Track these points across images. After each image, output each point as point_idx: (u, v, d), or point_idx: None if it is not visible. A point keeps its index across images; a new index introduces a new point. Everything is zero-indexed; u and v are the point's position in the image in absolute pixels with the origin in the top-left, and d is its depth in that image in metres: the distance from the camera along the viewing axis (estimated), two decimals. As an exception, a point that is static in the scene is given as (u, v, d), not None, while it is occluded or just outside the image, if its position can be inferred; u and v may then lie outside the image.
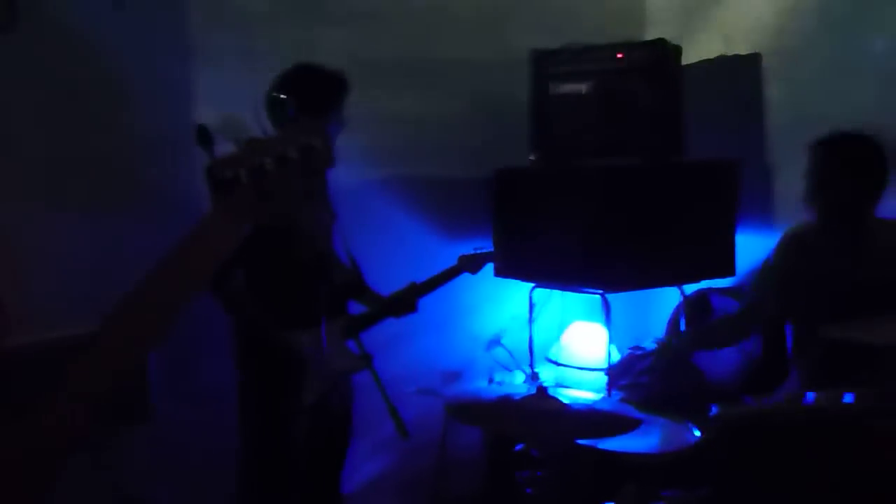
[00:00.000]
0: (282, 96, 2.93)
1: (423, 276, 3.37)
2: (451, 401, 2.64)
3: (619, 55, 3.40)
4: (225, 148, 1.34)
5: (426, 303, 3.49)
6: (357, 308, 3.31)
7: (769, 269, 3.24)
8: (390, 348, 3.49)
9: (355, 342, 3.13)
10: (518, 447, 2.94)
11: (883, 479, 1.34)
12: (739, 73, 3.87)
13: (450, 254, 3.52)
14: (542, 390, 2.50)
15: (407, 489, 3.84)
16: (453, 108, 3.76)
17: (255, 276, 3.01)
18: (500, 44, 3.83)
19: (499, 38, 3.85)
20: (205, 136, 1.73)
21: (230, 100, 3.09)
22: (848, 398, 1.19)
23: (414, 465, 3.78)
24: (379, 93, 3.54)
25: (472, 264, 3.41)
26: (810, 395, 1.20)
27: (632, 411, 2.59)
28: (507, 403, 2.55)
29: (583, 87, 3.46)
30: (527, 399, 2.49)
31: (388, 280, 3.35)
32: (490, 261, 3.45)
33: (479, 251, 3.42)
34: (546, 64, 3.55)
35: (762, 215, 3.75)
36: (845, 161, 2.95)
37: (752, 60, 3.82)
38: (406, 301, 3.27)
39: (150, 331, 1.16)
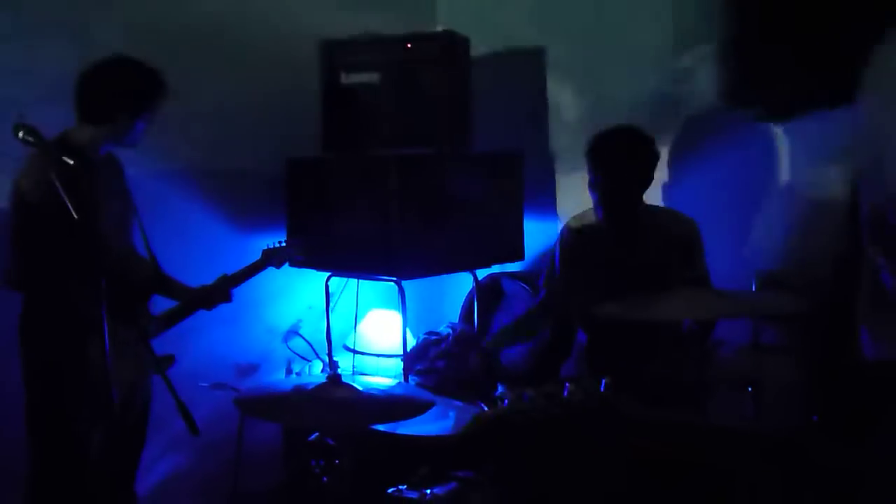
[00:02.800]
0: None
1: (219, 268, 3.30)
2: (241, 394, 2.60)
3: (408, 46, 3.45)
4: None
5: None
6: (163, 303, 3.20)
7: (557, 258, 3.40)
8: (182, 343, 3.38)
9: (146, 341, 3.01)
10: (312, 436, 2.93)
11: (634, 464, 1.43)
12: (525, 65, 4.02)
13: (246, 245, 3.47)
14: (335, 378, 2.51)
15: (204, 486, 3.75)
16: (248, 97, 3.68)
17: (50, 276, 2.83)
18: (293, 32, 3.78)
19: (290, 26, 3.80)
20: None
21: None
22: (601, 387, 1.26)
23: (211, 461, 3.70)
24: (174, 82, 3.42)
25: (275, 258, 3.35)
26: (566, 386, 1.27)
27: (425, 395, 2.64)
28: (299, 393, 2.54)
29: (373, 78, 3.49)
30: (319, 388, 2.49)
31: (186, 274, 3.25)
32: (295, 254, 3.40)
33: (282, 244, 3.37)
34: (336, 54, 3.55)
35: (547, 202, 3.92)
36: (616, 155, 3.12)
37: (537, 53, 3.97)
38: (220, 291, 3.20)
39: None
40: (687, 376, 2.60)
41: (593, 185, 3.12)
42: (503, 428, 1.25)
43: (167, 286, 3.18)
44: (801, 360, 1.38)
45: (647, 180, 3.16)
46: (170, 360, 3.01)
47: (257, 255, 3.35)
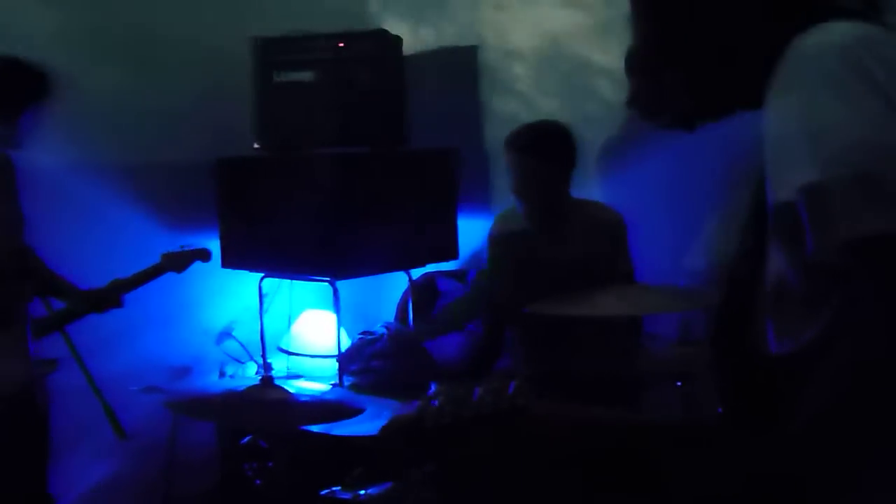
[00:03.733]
0: None
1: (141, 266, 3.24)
2: (172, 397, 2.56)
3: (341, 44, 3.43)
4: None
5: (150, 298, 3.36)
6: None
7: (487, 254, 3.41)
8: (111, 346, 3.33)
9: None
10: (245, 439, 2.90)
11: (552, 463, 1.44)
12: (458, 64, 4.03)
13: (176, 245, 3.42)
14: (267, 380, 2.49)
15: (137, 491, 3.68)
16: (178, 92, 3.62)
17: None
18: (224, 29, 3.73)
19: (221, 23, 3.75)
20: None
21: None
22: (510, 388, 1.26)
23: (144, 466, 3.63)
24: (94, 73, 3.34)
25: (176, 263, 3.25)
26: (476, 390, 1.26)
27: (358, 397, 2.64)
28: (231, 396, 2.51)
29: (306, 76, 3.46)
30: (251, 389, 2.46)
31: (108, 273, 3.19)
32: (198, 259, 3.31)
33: (185, 248, 3.28)
34: (268, 52, 3.51)
35: (481, 201, 3.93)
36: (535, 151, 3.14)
37: (470, 53, 3.98)
38: (109, 297, 3.12)
39: None
40: (617, 372, 2.63)
41: (510, 180, 3.15)
42: (414, 432, 1.23)
43: (56, 287, 3.09)
44: (712, 354, 1.41)
45: (564, 175, 3.17)
46: (52, 364, 2.93)
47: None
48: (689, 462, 1.27)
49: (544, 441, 1.31)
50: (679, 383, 2.78)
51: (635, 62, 1.40)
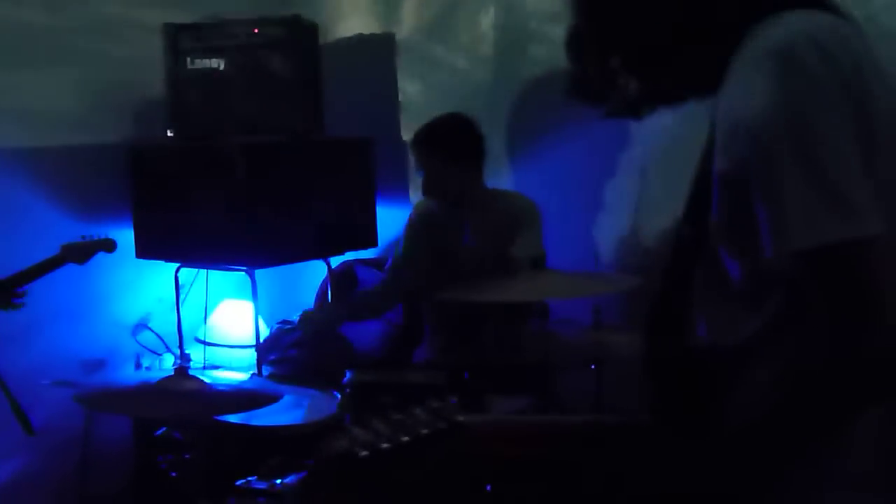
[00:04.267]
0: None
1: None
2: (83, 391, 2.51)
3: (255, 30, 3.39)
4: None
5: (61, 290, 3.29)
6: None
7: (403, 242, 3.43)
8: (21, 339, 3.24)
9: None
10: (159, 431, 2.86)
11: (487, 474, 1.44)
12: (374, 51, 4.01)
13: (83, 233, 3.33)
14: (182, 370, 2.46)
15: (51, 489, 3.60)
16: (87, 79, 3.53)
17: None
18: (135, 15, 3.65)
19: (131, 8, 3.66)
20: None
21: None
22: (449, 406, 1.24)
23: (58, 463, 3.55)
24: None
25: (77, 254, 3.14)
26: (415, 412, 1.24)
27: (274, 385, 2.62)
28: (144, 387, 2.48)
29: (220, 63, 3.41)
30: (165, 381, 2.43)
31: (12, 262, 3.10)
32: (101, 250, 3.21)
33: (86, 239, 3.18)
34: (180, 38, 3.45)
35: (399, 188, 3.93)
36: (438, 150, 3.17)
37: (386, 39, 3.98)
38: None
39: None
40: (530, 357, 2.66)
41: (425, 181, 3.18)
42: (348, 461, 1.19)
43: None
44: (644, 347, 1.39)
45: (470, 169, 3.19)
46: None
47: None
48: (623, 464, 1.27)
49: (485, 457, 1.30)
50: (593, 366, 2.83)
51: (577, 46, 1.36)
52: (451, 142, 3.16)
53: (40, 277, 3.06)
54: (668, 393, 1.34)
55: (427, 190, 3.18)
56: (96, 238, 3.21)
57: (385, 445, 1.18)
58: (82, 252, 3.16)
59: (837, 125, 1.11)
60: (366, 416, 1.23)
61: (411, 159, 3.91)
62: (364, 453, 1.17)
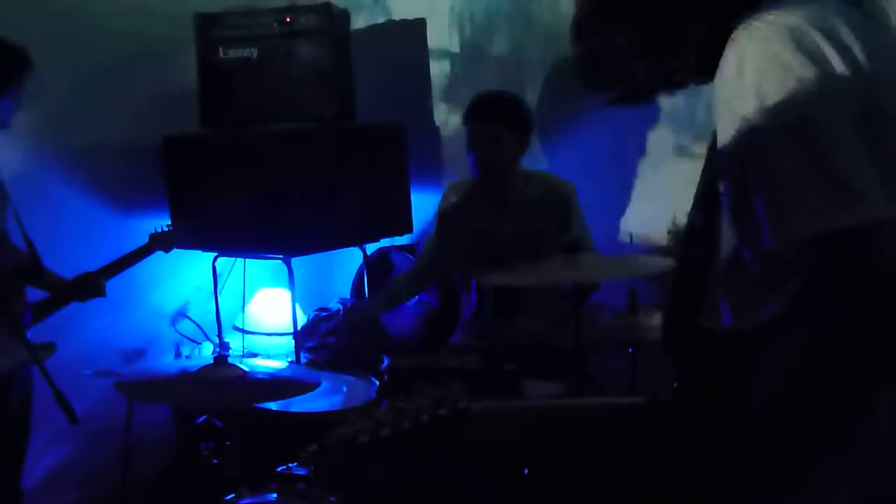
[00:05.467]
0: None
1: (100, 251, 3.21)
2: (123, 379, 2.55)
3: (287, 19, 3.39)
4: None
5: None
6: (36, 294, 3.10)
7: (436, 222, 3.43)
8: (63, 331, 3.28)
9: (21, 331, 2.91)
10: (200, 419, 2.90)
11: (504, 461, 1.43)
12: (406, 37, 4.01)
13: (129, 227, 3.38)
14: (221, 359, 2.48)
15: (93, 476, 3.66)
16: (120, 73, 3.56)
17: None
18: (165, 5, 3.66)
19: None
20: None
21: None
22: (452, 391, 1.25)
23: (99, 450, 3.61)
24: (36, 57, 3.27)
25: (164, 242, 3.27)
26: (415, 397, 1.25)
27: (312, 372, 2.64)
28: (184, 376, 2.51)
29: (251, 52, 3.42)
30: (204, 369, 2.46)
31: (64, 259, 3.15)
32: (182, 236, 3.33)
33: (170, 227, 3.29)
34: (212, 28, 3.47)
35: (432, 173, 3.93)
36: (493, 114, 3.17)
37: (417, 25, 3.97)
38: (92, 284, 3.11)
39: None
40: (566, 340, 2.66)
41: (470, 146, 3.16)
42: (351, 448, 1.20)
43: (40, 276, 3.07)
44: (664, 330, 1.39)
45: (523, 143, 3.21)
46: (49, 348, 2.92)
47: (140, 238, 3.27)
48: (639, 445, 1.26)
49: (488, 442, 1.29)
50: (630, 349, 2.81)
51: (583, 24, 1.33)
52: (516, 109, 3.18)
53: (132, 266, 3.18)
54: (688, 374, 1.34)
55: (484, 157, 3.15)
56: (177, 226, 3.32)
57: (386, 432, 1.19)
58: (167, 240, 3.28)
59: (837, 110, 1.09)
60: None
61: (444, 144, 3.92)
62: (364, 439, 1.19)
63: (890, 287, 1.06)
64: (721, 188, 1.22)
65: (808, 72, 1.10)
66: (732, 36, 1.17)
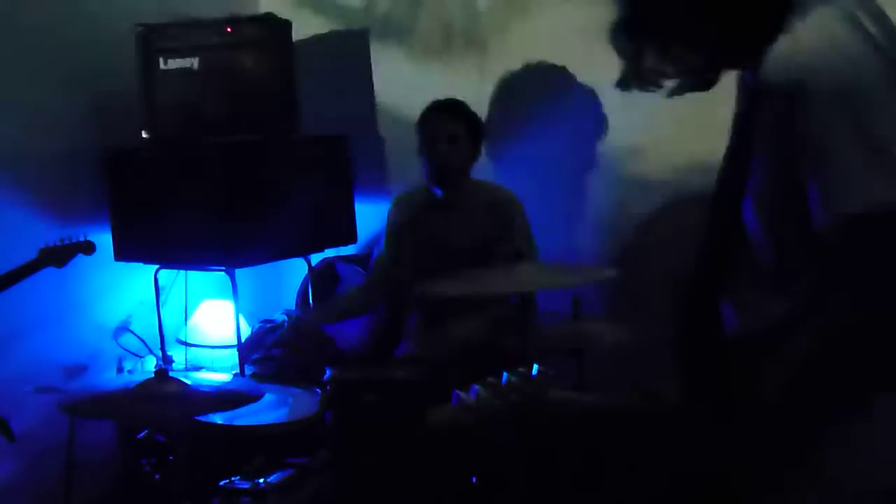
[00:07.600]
0: None
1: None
2: (64, 396, 2.51)
3: (228, 29, 3.38)
4: None
5: (40, 295, 3.27)
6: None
7: (385, 238, 3.43)
8: (1, 347, 3.23)
9: None
10: (140, 434, 2.86)
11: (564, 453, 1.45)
12: (349, 48, 4.01)
13: (60, 236, 3.31)
14: (162, 372, 2.45)
15: (36, 496, 3.58)
16: (61, 82, 3.50)
17: None
18: (106, 15, 3.62)
19: (103, 9, 3.63)
20: None
21: None
22: (534, 372, 1.26)
23: (42, 469, 3.53)
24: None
25: (56, 257, 3.10)
26: (504, 375, 1.26)
27: (256, 385, 2.62)
28: (126, 392, 2.47)
29: (193, 63, 3.40)
30: (145, 384, 2.43)
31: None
32: (80, 252, 3.18)
33: (65, 241, 3.14)
34: (154, 39, 3.43)
35: (377, 184, 3.93)
36: (463, 115, 3.21)
37: (361, 36, 3.97)
38: None
39: None
40: (512, 347, 2.67)
41: (425, 148, 3.18)
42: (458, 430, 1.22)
43: None
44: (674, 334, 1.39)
45: (477, 148, 3.25)
46: None
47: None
48: (661, 443, 1.28)
49: (556, 427, 1.31)
50: (573, 357, 2.84)
51: (629, 30, 1.32)
52: (471, 113, 3.23)
53: (18, 282, 3.02)
54: (702, 376, 1.34)
55: (441, 156, 3.15)
56: (75, 241, 3.18)
57: (488, 413, 1.21)
58: (61, 255, 3.12)
59: (890, 92, 1.12)
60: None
61: (388, 155, 3.92)
62: (467, 422, 1.20)
63: None
64: (756, 172, 1.22)
65: (864, 51, 1.13)
66: (790, 22, 1.18)
